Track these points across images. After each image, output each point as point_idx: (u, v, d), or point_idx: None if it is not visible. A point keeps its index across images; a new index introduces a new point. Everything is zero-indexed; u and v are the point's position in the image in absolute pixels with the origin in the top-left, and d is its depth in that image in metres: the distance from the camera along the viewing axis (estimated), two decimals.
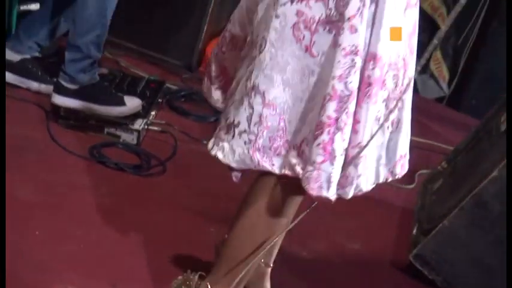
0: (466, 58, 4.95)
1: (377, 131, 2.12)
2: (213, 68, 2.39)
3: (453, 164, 3.38)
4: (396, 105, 2.18)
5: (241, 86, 2.16)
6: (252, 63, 2.11)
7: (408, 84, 2.20)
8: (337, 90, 2.03)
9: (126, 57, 3.97)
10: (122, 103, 3.34)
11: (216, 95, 2.38)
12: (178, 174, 3.18)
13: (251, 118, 2.09)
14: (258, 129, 2.09)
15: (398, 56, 2.13)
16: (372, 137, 2.11)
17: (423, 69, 4.93)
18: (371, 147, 2.11)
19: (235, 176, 2.19)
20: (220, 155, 2.13)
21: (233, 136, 2.12)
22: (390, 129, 2.18)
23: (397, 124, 2.20)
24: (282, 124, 2.10)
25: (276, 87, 2.08)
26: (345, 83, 2.03)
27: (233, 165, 2.14)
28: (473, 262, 2.79)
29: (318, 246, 2.95)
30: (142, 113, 3.40)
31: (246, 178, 2.17)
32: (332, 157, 2.04)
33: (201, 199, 3.02)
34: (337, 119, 2.05)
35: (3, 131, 2.87)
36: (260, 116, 2.08)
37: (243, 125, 2.10)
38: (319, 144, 2.04)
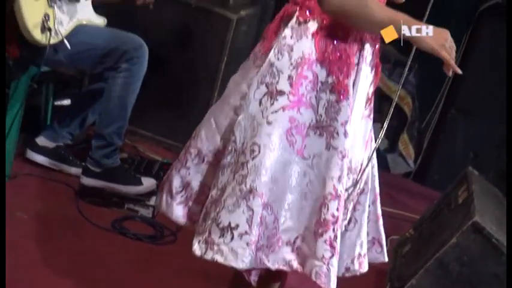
0: (429, 140, 4.90)
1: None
2: (174, 184, 2.16)
3: (419, 231, 3.34)
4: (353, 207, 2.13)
5: (231, 190, 1.97)
6: (243, 168, 1.96)
7: (363, 191, 2.16)
8: (338, 190, 1.96)
9: (143, 143, 3.96)
10: (139, 183, 3.34)
11: (178, 210, 2.16)
12: (188, 242, 3.17)
13: (251, 220, 1.94)
14: (259, 230, 1.96)
15: (358, 161, 2.09)
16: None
17: (393, 149, 4.92)
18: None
19: (253, 281, 2.05)
20: (219, 258, 1.95)
21: (232, 238, 1.94)
22: (345, 227, 2.11)
23: (354, 224, 2.13)
24: (275, 223, 1.99)
25: (273, 190, 1.96)
26: (342, 184, 1.97)
27: (239, 266, 1.96)
28: None
29: None
30: (157, 190, 3.28)
31: None
32: (336, 251, 1.96)
33: (209, 265, 3.00)
34: (338, 217, 1.97)
35: (3, 139, 2.95)
36: (260, 217, 1.95)
37: (243, 227, 1.94)
38: (326, 241, 1.94)
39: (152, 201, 3.30)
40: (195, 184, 2.13)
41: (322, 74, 1.96)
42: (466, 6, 4.96)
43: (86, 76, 3.76)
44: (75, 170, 3.46)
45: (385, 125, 2.09)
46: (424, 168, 4.92)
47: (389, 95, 4.70)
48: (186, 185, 2.14)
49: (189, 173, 2.13)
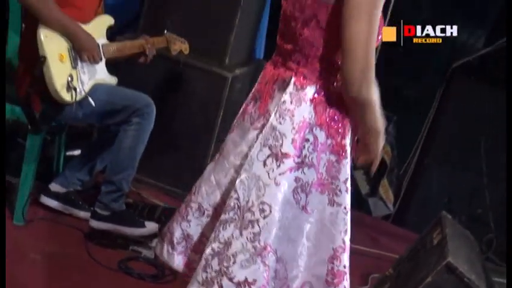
0: (406, 185, 4.90)
1: None
2: (176, 235, 2.17)
3: (398, 270, 3.27)
4: None
5: (241, 247, 1.95)
6: (253, 226, 1.94)
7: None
8: (346, 243, 1.99)
9: (146, 190, 3.96)
10: (143, 226, 3.36)
11: (179, 259, 2.17)
12: (187, 280, 3.18)
13: (268, 274, 1.95)
14: (274, 283, 1.97)
15: None
16: None
17: (374, 193, 4.83)
18: None
19: None
20: None
21: None
22: None
23: None
24: (285, 273, 1.99)
25: (284, 244, 1.97)
26: (348, 235, 2.00)
27: None
28: None
29: None
30: (159, 233, 3.33)
31: None
32: None
33: None
34: (348, 267, 2.01)
35: (3, 142, 2.97)
36: (275, 271, 1.97)
37: (261, 282, 1.93)
38: None
39: (154, 242, 3.25)
40: (195, 235, 2.14)
41: (321, 136, 1.96)
42: (440, 62, 5.04)
43: (95, 128, 3.79)
44: (83, 214, 3.47)
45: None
46: (403, 211, 4.90)
47: None
48: (186, 237, 2.15)
49: (190, 226, 2.14)
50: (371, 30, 1.82)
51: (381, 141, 2.00)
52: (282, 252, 1.97)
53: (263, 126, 1.99)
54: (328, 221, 1.98)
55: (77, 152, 3.77)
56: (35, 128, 3.17)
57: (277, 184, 1.93)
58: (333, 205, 1.97)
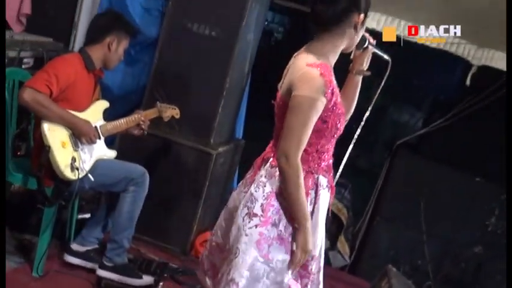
0: (360, 240, 4.90)
1: None
2: (205, 264, 2.37)
3: None
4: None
5: (221, 276, 2.19)
6: (230, 263, 2.14)
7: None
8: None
9: (144, 246, 3.90)
10: (140, 278, 3.37)
11: (208, 282, 2.35)
12: None
13: None
14: None
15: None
16: None
17: (333, 247, 4.86)
18: None
19: None
20: None
21: None
22: None
23: None
24: None
25: (245, 280, 2.10)
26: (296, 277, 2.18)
27: None
28: None
29: None
30: (154, 284, 3.40)
31: None
32: None
33: None
34: None
35: (3, 145, 3.00)
36: None
37: None
38: None
39: None
40: (218, 266, 2.30)
41: (283, 204, 2.12)
42: (387, 138, 5.15)
43: (103, 195, 3.77)
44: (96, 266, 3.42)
45: None
46: (357, 262, 4.89)
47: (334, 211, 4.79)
48: (212, 266, 2.35)
49: (214, 258, 2.34)
50: (301, 126, 2.02)
51: (304, 237, 2.10)
52: (242, 285, 2.10)
53: (248, 191, 2.18)
54: (283, 265, 2.12)
55: (88, 215, 3.74)
56: (48, 203, 3.18)
57: (246, 235, 2.11)
58: (288, 254, 2.12)
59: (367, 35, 2.26)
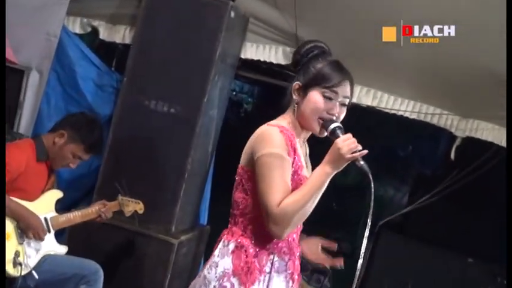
0: None
1: None
2: None
3: None
4: None
5: None
6: None
7: None
8: None
9: None
10: None
11: None
12: None
13: None
14: None
15: None
16: None
17: None
18: None
19: None
20: None
21: None
22: None
23: None
24: None
25: None
26: None
27: None
28: None
29: None
30: None
31: None
32: None
33: None
34: None
35: (3, 146, 2.95)
36: None
37: None
38: None
39: None
40: None
41: (236, 284, 2.14)
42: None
43: None
44: None
45: None
46: None
47: None
48: None
49: None
50: (273, 179, 2.06)
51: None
52: None
53: (201, 274, 2.22)
54: None
55: None
56: None
57: None
58: None
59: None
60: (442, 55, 3.66)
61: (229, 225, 2.24)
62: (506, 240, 2.71)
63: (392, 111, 4.12)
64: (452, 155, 4.18)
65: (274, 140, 2.10)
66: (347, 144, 2.05)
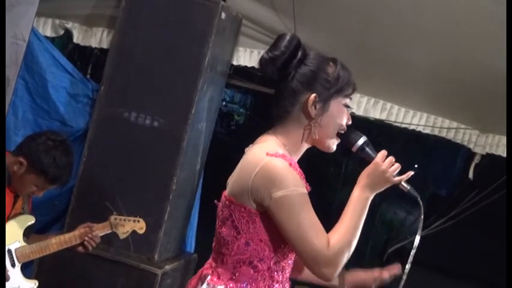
0: None
1: None
2: None
3: None
4: None
5: None
6: None
7: None
8: None
9: None
10: None
11: None
12: None
13: None
14: None
15: None
16: None
17: None
18: None
19: None
20: None
21: None
22: None
23: None
24: None
25: None
26: None
27: None
28: None
29: None
30: None
31: None
32: None
33: None
34: None
35: (3, 146, 2.88)
36: None
37: None
38: None
39: None
40: None
41: None
42: (376, 249, 5.15)
43: None
44: None
45: None
46: None
47: None
48: None
49: None
50: (305, 221, 1.96)
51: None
52: None
53: None
54: None
55: None
56: None
57: None
58: None
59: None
60: (459, 62, 3.60)
61: (212, 263, 2.13)
62: (506, 243, 2.65)
63: (403, 125, 4.05)
64: (470, 174, 4.14)
65: (289, 176, 1.98)
66: (389, 164, 2.01)
